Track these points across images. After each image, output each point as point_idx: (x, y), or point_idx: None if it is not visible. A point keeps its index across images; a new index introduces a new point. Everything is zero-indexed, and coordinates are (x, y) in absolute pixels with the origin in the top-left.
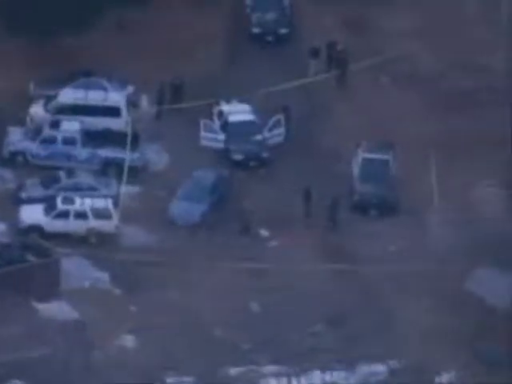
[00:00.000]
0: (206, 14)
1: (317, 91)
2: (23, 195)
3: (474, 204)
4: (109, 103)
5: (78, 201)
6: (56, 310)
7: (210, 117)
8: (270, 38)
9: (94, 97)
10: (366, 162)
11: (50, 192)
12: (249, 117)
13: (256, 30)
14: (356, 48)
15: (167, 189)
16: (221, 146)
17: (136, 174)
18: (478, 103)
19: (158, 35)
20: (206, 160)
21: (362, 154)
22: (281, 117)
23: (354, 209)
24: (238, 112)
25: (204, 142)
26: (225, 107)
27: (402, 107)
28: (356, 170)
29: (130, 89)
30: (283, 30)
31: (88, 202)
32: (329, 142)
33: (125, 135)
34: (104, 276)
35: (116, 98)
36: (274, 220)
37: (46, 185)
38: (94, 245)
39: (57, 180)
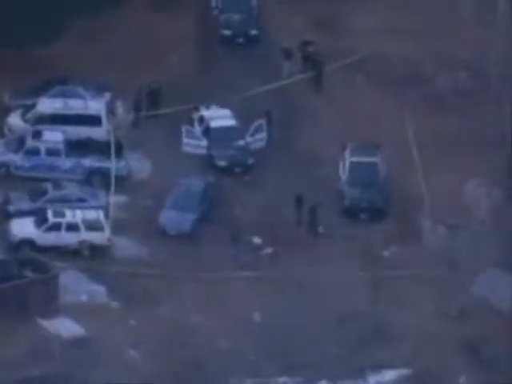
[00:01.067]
0: (173, 17)
1: (293, 93)
2: (10, 208)
3: (465, 204)
4: (89, 112)
5: (69, 213)
6: (60, 326)
7: (189, 123)
8: (240, 40)
9: (74, 106)
10: (354, 165)
11: (38, 204)
12: (230, 122)
13: (226, 32)
14: (328, 48)
15: (154, 198)
16: (203, 152)
17: (122, 183)
18: (457, 101)
19: (127, 41)
20: (189, 167)
21: (349, 158)
22: (263, 121)
23: (343, 213)
24: (220, 117)
25: (186, 149)
26: (206, 113)
27: (380, 107)
28: (344, 174)
29: (107, 96)
30: (253, 32)
31: (79, 214)
32: (311, 145)
33: (108, 144)
34: (100, 289)
35: (96, 106)
36: (264, 227)
37: (33, 197)
38: (86, 257)
39: (44, 192)
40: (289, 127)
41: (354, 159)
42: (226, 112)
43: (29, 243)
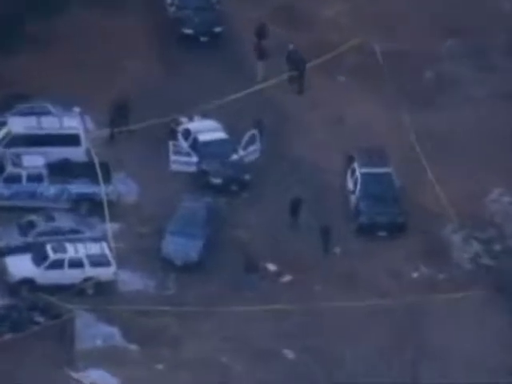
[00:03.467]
0: (123, 17)
1: (274, 97)
2: (0, 245)
3: (488, 216)
4: (66, 131)
5: (70, 248)
6: (94, 378)
7: (172, 137)
8: (204, 39)
9: (48, 125)
10: (367, 177)
11: (29, 239)
12: (220, 135)
13: (187, 31)
14: (298, 43)
15: (148, 224)
16: (194, 169)
17: (112, 209)
18: (453, 96)
19: (79, 49)
20: (179, 187)
21: (359, 168)
22: (255, 132)
23: (359, 231)
24: (207, 130)
25: (175, 167)
26: (191, 125)
27: (370, 107)
28: (354, 187)
29: (76, 111)
30: (217, 29)
31: (82, 248)
32: (305, 154)
33: (93, 166)
34: (114, 331)
35: (72, 124)
36: (276, 251)
37: (23, 231)
38: (91, 295)
39: (34, 225)
40: (276, 135)
41: (365, 170)
42: (213, 123)
43: (29, 283)
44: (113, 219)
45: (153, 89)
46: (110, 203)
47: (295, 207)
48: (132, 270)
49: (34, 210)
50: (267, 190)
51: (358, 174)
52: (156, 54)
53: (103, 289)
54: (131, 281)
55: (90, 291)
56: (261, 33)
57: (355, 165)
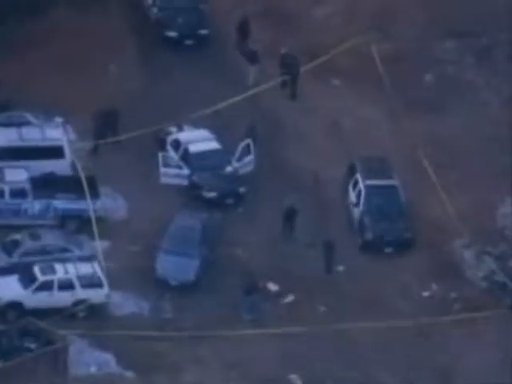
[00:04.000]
0: (105, 21)
1: (267, 103)
2: None
3: (499, 229)
4: (49, 143)
5: (59, 268)
6: None
7: (160, 147)
8: (189, 42)
9: (31, 136)
10: (372, 190)
11: (15, 259)
12: (212, 145)
13: (171, 34)
14: (288, 45)
15: (139, 242)
16: (185, 182)
17: (101, 226)
18: (453, 99)
19: (56, 52)
20: (170, 201)
21: (362, 181)
22: (249, 141)
23: (364, 248)
24: (199, 140)
25: (165, 180)
26: (181, 135)
27: (367, 113)
28: (357, 200)
29: (59, 121)
30: (203, 31)
31: (72, 268)
32: (301, 164)
33: (78, 180)
34: (108, 357)
35: (55, 135)
36: (277, 270)
37: (7, 251)
38: (82, 319)
39: (19, 244)
40: (270, 143)
41: (370, 182)
42: (205, 133)
43: (16, 307)
44: (101, 237)
45: (137, 96)
46: (99, 220)
47: (289, 217)
48: (124, 291)
49: (18, 228)
50: (263, 204)
51: (361, 186)
52: (139, 59)
53: (95, 312)
54: (124, 303)
55: (82, 314)
56: (243, 28)
57: (358, 176)
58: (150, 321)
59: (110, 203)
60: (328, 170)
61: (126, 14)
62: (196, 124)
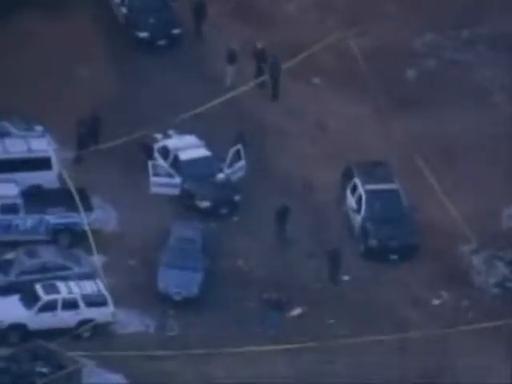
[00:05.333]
0: (71, 23)
1: (247, 104)
2: None
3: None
4: (35, 154)
5: (62, 287)
6: None
7: (146, 155)
8: (161, 42)
9: (16, 148)
10: (373, 195)
11: (12, 278)
12: (203, 152)
13: (142, 35)
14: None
15: (135, 255)
16: (176, 191)
17: (97, 240)
18: (440, 96)
19: (30, 58)
20: (162, 211)
21: (362, 186)
22: (239, 147)
23: (368, 255)
24: (188, 147)
25: (155, 189)
26: (169, 142)
27: (353, 113)
28: (358, 205)
29: (39, 130)
30: (175, 31)
31: (75, 286)
32: (292, 168)
33: (69, 192)
34: (119, 379)
35: (41, 146)
36: (281, 282)
37: (4, 269)
38: (87, 339)
39: (17, 262)
40: (257, 147)
41: (370, 187)
42: (194, 139)
43: (19, 329)
44: (97, 251)
45: (114, 101)
46: (94, 233)
47: (282, 216)
48: (127, 308)
49: (8, 244)
50: (258, 212)
51: (361, 191)
52: (110, 62)
53: (99, 331)
54: (128, 321)
55: (86, 334)
56: (199, 10)
57: (357, 181)
58: (156, 339)
59: (101, 215)
60: (319, 175)
61: (92, 15)
62: (178, 129)
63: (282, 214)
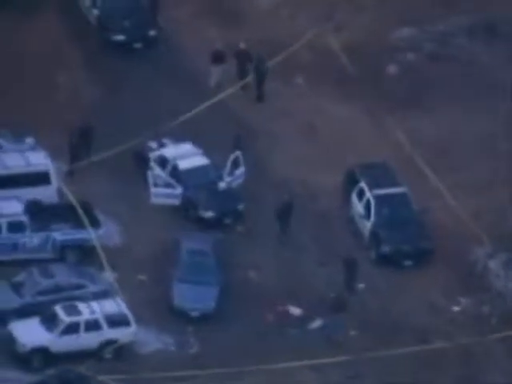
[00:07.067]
0: (40, 26)
1: (232, 106)
2: None
3: None
4: (34, 168)
5: (83, 308)
6: None
7: (141, 165)
8: (137, 45)
9: (15, 163)
10: (382, 200)
11: (28, 299)
12: (202, 160)
13: (118, 38)
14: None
15: (146, 270)
16: (177, 202)
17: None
18: (425, 93)
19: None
20: (165, 222)
21: (369, 190)
22: (238, 154)
23: (381, 262)
24: (186, 155)
25: (156, 200)
26: (166, 151)
27: (340, 111)
28: (367, 211)
29: (31, 141)
30: (151, 33)
31: (96, 307)
32: (289, 173)
33: (72, 207)
34: None
35: (41, 160)
36: (296, 292)
37: (18, 290)
38: (109, 360)
39: (29, 283)
40: (250, 152)
41: (379, 192)
42: (191, 147)
43: (42, 352)
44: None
45: (97, 110)
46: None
47: (285, 213)
48: (145, 326)
49: (17, 264)
50: (261, 220)
51: (369, 196)
52: (87, 68)
53: (121, 351)
54: (148, 339)
55: (108, 355)
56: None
57: (363, 185)
58: (178, 357)
59: (106, 229)
60: (318, 178)
61: (62, 18)
62: (171, 136)
63: (285, 211)
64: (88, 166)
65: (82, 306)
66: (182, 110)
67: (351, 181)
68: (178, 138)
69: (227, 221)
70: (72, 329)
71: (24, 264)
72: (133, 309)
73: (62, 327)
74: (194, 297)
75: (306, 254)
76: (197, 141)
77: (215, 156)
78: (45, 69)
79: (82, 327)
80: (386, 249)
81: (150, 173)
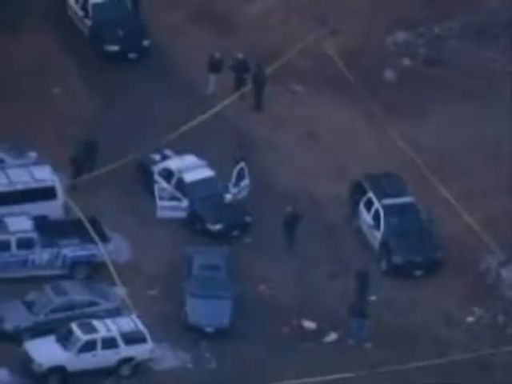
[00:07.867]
0: (31, 41)
1: (231, 115)
2: (7, 327)
3: None
4: (39, 184)
5: (100, 325)
6: None
7: (144, 178)
8: (132, 55)
9: (20, 179)
10: (391, 210)
11: (41, 318)
12: (207, 172)
13: (112, 48)
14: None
15: (155, 285)
16: (183, 215)
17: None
18: (423, 98)
19: None
20: (171, 236)
21: (378, 200)
22: (243, 165)
23: (391, 273)
24: (191, 168)
25: (162, 213)
26: (171, 164)
27: (340, 119)
28: (376, 221)
29: (33, 156)
30: (145, 42)
31: (113, 325)
32: (292, 183)
33: (80, 222)
34: None
35: (46, 175)
36: (308, 305)
37: (33, 308)
38: (126, 378)
39: (42, 300)
40: (252, 162)
41: (388, 202)
42: (195, 159)
43: (59, 371)
44: (113, 283)
45: (96, 122)
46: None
47: (291, 224)
48: (158, 342)
49: (26, 281)
50: (268, 232)
51: (378, 206)
52: (82, 79)
53: (138, 368)
54: (162, 356)
55: (126, 373)
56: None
57: (371, 195)
58: (196, 374)
59: (115, 244)
60: (320, 189)
61: (53, 30)
62: (173, 148)
63: (292, 222)
64: (91, 180)
65: (97, 323)
66: (180, 120)
67: (358, 191)
68: (179, 150)
69: (235, 233)
70: (89, 347)
71: (33, 281)
72: (145, 324)
73: (78, 345)
74: (208, 312)
75: (314, 265)
76: (197, 152)
77: (216, 167)
78: (39, 82)
79: (99, 345)
80: (397, 259)
81: (156, 186)
